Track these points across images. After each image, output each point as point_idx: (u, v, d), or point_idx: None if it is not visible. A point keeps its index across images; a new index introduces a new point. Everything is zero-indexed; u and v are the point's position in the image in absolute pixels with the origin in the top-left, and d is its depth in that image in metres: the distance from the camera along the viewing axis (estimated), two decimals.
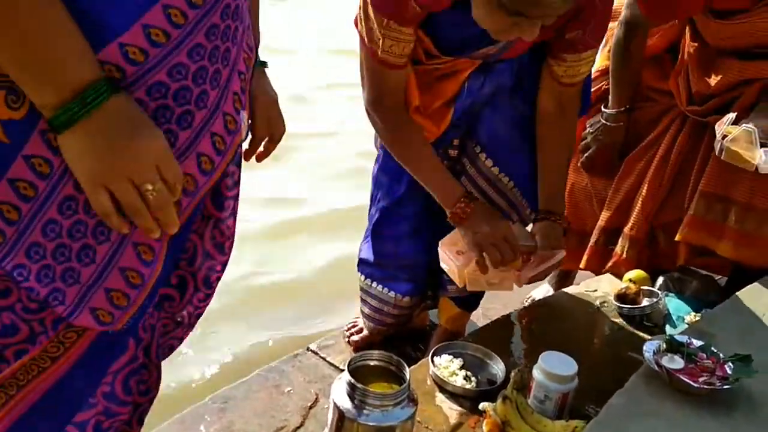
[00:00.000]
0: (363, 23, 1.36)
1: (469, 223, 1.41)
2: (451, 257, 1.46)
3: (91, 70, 0.72)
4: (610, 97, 1.84)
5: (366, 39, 1.37)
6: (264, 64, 1.20)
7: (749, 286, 1.56)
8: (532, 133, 1.56)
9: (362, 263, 1.78)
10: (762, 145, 1.49)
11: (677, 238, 1.79)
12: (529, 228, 1.58)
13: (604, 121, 1.86)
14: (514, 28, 1.18)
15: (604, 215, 1.95)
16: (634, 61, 1.78)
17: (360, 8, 1.36)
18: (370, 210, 1.77)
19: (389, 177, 1.66)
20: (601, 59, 1.95)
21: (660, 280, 1.88)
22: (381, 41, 1.33)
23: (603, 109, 1.87)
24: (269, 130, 1.20)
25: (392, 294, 1.74)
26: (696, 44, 1.70)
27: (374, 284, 1.76)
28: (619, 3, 1.90)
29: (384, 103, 1.44)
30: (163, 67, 0.79)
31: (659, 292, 1.80)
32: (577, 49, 1.40)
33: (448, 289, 1.74)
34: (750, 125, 1.49)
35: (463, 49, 1.42)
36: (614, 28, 1.80)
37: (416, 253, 1.70)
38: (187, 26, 0.80)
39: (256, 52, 1.14)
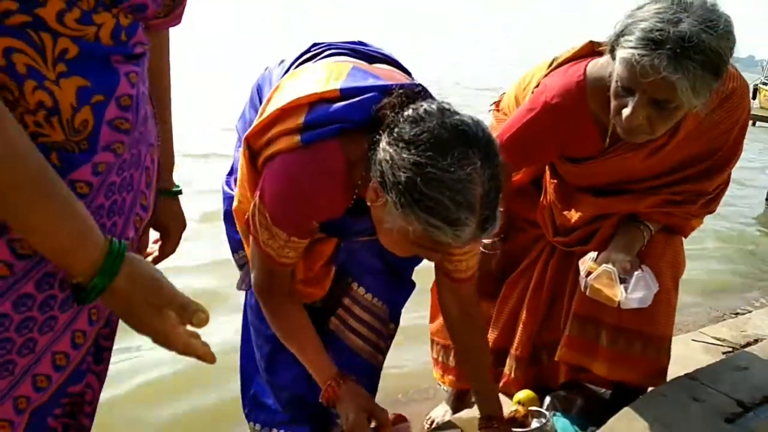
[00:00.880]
0: (260, 232, 1.34)
1: (341, 407, 1.44)
2: None
3: (96, 243, 0.77)
4: None
5: (263, 245, 1.36)
6: (178, 193, 1.28)
7: (623, 411, 1.65)
8: (395, 259, 1.62)
9: (256, 411, 1.74)
10: (622, 281, 1.61)
11: (556, 357, 1.88)
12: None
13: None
14: (420, 252, 1.27)
15: (491, 336, 2.02)
16: (503, 198, 1.90)
17: (254, 216, 1.35)
18: (243, 355, 1.76)
19: (266, 323, 1.64)
20: None
21: (547, 399, 1.95)
22: (281, 250, 1.35)
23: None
24: (172, 252, 1.28)
25: None
26: (555, 181, 1.84)
27: (275, 431, 1.72)
28: None
29: (273, 291, 1.45)
30: None
31: (547, 412, 1.86)
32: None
33: (338, 423, 1.73)
34: (609, 266, 1.61)
35: (344, 236, 1.50)
36: None
37: (316, 392, 1.69)
38: None
39: (171, 179, 1.25)
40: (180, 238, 1.29)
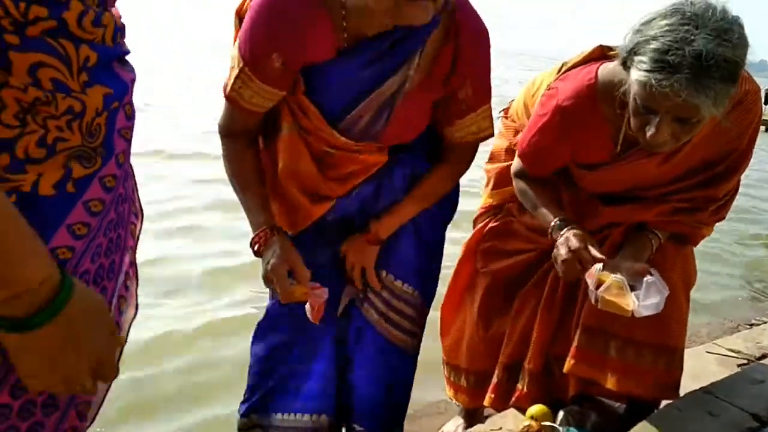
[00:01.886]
0: (230, 60, 1.37)
1: (267, 254, 1.42)
2: None
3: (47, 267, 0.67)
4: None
5: (227, 77, 1.39)
6: None
7: (638, 426, 1.62)
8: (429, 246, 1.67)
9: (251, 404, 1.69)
10: (632, 289, 1.57)
11: (565, 370, 1.83)
12: None
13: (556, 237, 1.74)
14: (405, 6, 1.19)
15: (505, 351, 1.97)
16: (540, 190, 1.81)
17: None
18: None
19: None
20: (485, 198, 2.04)
21: (561, 414, 1.90)
22: (235, 80, 1.36)
23: (550, 233, 1.76)
24: None
25: (307, 417, 1.65)
26: (569, 190, 1.81)
27: (277, 415, 1.66)
28: (497, 147, 2.02)
29: (232, 132, 1.48)
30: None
31: (560, 428, 1.82)
32: (470, 107, 1.47)
33: (357, 417, 1.71)
34: (618, 276, 1.56)
35: (354, 105, 1.41)
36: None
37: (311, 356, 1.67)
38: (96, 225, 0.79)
39: None
40: None
